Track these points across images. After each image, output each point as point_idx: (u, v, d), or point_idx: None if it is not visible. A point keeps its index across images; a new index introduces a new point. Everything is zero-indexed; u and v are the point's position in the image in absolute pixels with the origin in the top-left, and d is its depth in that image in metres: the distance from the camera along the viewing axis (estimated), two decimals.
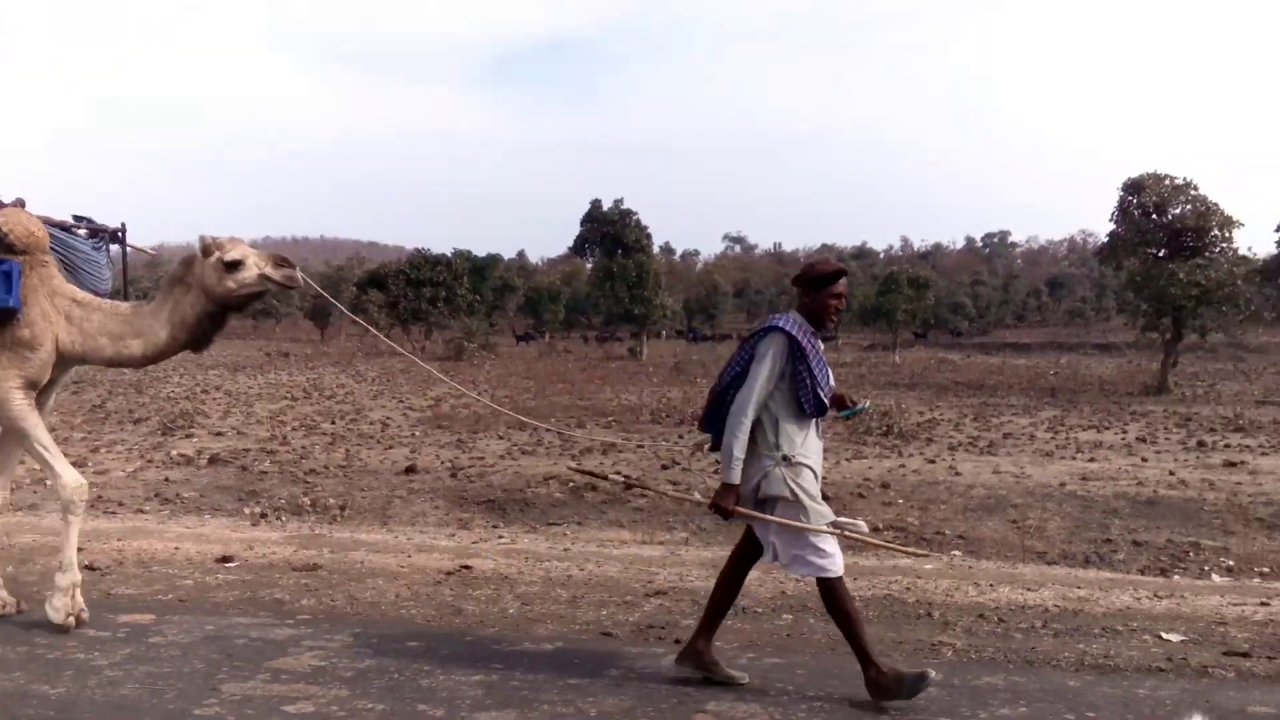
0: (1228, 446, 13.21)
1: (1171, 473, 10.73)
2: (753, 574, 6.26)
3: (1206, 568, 6.87)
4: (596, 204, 43.70)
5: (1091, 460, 11.81)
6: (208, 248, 4.72)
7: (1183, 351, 30.47)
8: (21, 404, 4.84)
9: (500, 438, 13.47)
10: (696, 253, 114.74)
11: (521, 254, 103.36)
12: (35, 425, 4.88)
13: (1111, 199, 26.58)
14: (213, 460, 11.06)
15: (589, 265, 49.85)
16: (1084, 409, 18.97)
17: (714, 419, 4.30)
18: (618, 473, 4.45)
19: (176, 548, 6.81)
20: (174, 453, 11.64)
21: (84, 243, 5.29)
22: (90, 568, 6.02)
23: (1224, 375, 31.38)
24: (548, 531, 7.90)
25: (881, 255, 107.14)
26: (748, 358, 4.15)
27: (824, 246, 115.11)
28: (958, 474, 10.63)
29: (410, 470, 10.49)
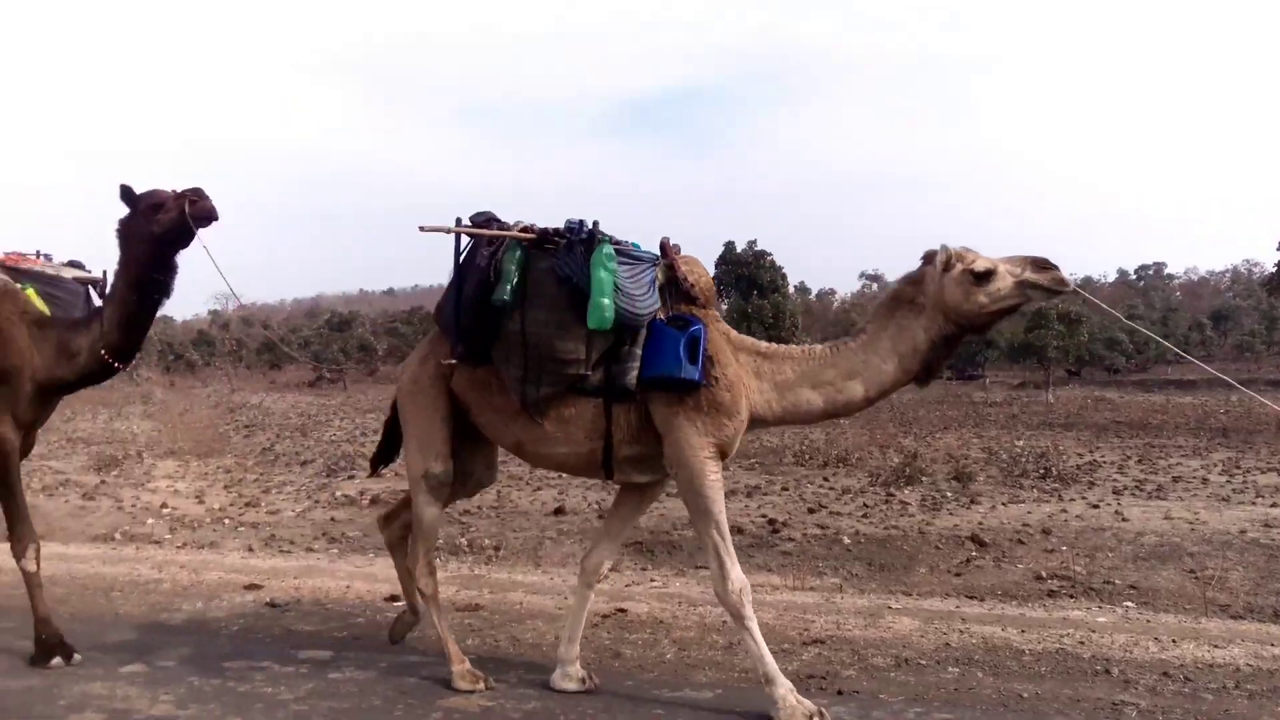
0: None
1: None
2: (912, 624, 6.15)
3: None
4: (730, 246, 43.86)
5: (1274, 506, 11.02)
6: (950, 260, 4.10)
7: None
8: (716, 480, 4.30)
9: None
10: (833, 291, 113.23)
11: None
12: (722, 511, 4.33)
13: (1276, 227, 25.04)
14: (374, 501, 11.51)
15: (724, 307, 50.05)
16: (1261, 450, 17.74)
17: None
18: None
19: (348, 586, 7.13)
20: (339, 493, 12.20)
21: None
22: (271, 604, 6.38)
23: None
24: (696, 574, 7.89)
25: None
26: None
27: None
28: (1125, 520, 10.09)
29: (559, 511, 10.68)
